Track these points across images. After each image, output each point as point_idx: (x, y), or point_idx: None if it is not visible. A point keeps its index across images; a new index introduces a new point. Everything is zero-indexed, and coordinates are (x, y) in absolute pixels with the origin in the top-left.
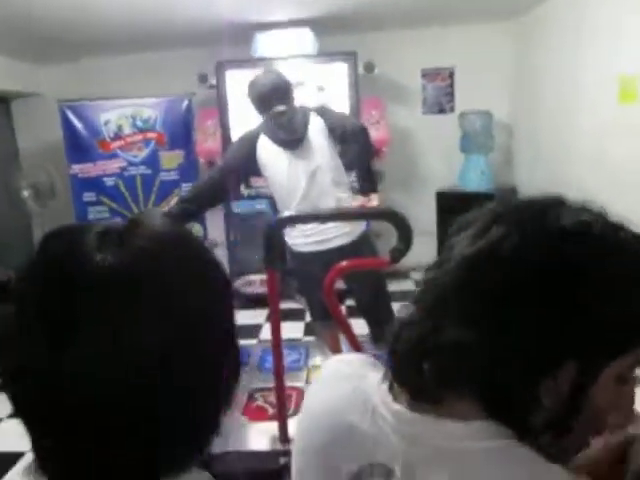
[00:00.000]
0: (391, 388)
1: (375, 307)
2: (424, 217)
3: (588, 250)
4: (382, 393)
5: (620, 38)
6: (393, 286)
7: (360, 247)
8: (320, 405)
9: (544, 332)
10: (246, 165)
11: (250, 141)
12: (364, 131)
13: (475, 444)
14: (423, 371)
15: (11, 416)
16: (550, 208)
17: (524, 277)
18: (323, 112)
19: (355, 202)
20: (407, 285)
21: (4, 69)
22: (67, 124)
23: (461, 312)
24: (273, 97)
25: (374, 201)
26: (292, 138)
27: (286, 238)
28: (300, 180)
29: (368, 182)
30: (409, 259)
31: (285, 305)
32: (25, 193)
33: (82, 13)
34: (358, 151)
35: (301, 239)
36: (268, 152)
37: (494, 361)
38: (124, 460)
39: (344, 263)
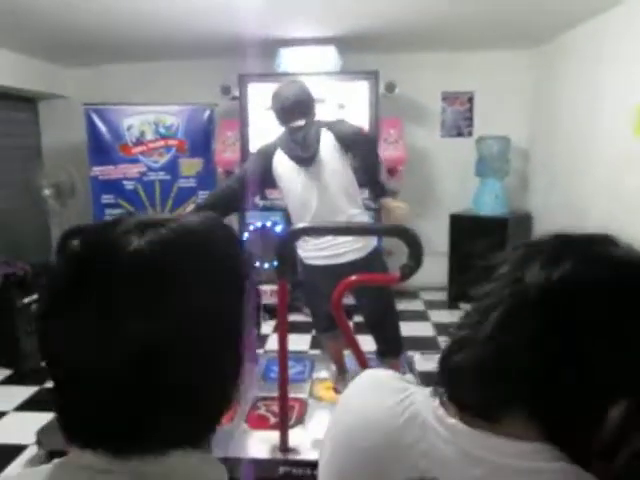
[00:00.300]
0: (442, 404)
1: (383, 323)
2: (437, 238)
3: None
4: (433, 407)
5: (638, 69)
6: (402, 305)
7: (371, 263)
8: (366, 415)
9: (615, 364)
10: (262, 176)
11: (267, 154)
12: (369, 138)
13: (535, 464)
14: (486, 391)
15: (16, 409)
16: (606, 244)
17: (599, 310)
18: (333, 125)
19: (382, 206)
20: (416, 305)
21: (33, 70)
22: (91, 127)
23: (531, 337)
24: (295, 110)
25: (399, 203)
26: (305, 156)
27: (299, 250)
28: (312, 197)
29: (379, 187)
30: (419, 279)
31: (293, 317)
32: (46, 191)
33: (110, 19)
34: (363, 156)
35: (314, 252)
36: (284, 166)
37: (564, 388)
38: (124, 430)
39: (354, 277)
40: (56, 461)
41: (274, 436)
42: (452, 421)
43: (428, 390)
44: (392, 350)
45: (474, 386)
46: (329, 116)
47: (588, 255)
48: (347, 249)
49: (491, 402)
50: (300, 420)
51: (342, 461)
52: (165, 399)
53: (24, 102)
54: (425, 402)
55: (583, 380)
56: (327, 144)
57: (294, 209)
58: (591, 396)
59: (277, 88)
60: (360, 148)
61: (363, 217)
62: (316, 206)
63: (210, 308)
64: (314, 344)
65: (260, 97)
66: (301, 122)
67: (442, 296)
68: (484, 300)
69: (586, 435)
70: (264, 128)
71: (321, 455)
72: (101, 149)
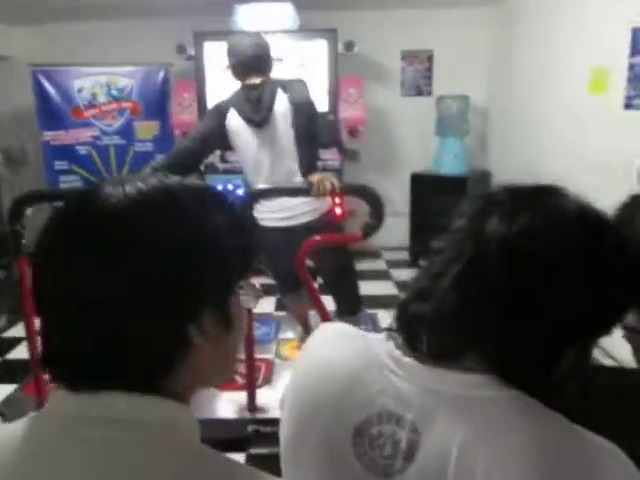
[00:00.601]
0: (396, 347)
1: (342, 283)
2: (398, 198)
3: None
4: (388, 350)
5: (592, 30)
6: (365, 265)
7: (324, 225)
8: (327, 360)
9: (572, 310)
10: (217, 135)
11: (220, 112)
12: (311, 105)
13: (487, 392)
14: (444, 337)
15: None
16: (557, 195)
17: (555, 259)
18: (289, 87)
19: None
20: (379, 264)
21: None
22: (39, 89)
23: (493, 287)
24: (252, 67)
25: (324, 176)
26: (256, 118)
27: (255, 213)
28: (264, 159)
29: (312, 162)
30: (381, 238)
31: (257, 280)
32: None
33: None
34: (306, 127)
35: (268, 214)
36: (237, 126)
37: (524, 333)
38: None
39: (317, 237)
40: (31, 414)
41: (242, 396)
42: (408, 360)
43: (382, 335)
44: (351, 308)
45: (433, 332)
46: (288, 75)
47: (542, 207)
48: (302, 210)
49: (449, 346)
50: (267, 380)
51: (305, 407)
52: (111, 342)
53: None
54: (381, 346)
55: (543, 326)
56: (281, 106)
57: (248, 169)
58: (551, 341)
59: (233, 40)
60: (300, 118)
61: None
62: (268, 168)
63: (169, 268)
64: (279, 306)
65: (217, 56)
66: (257, 80)
67: (404, 255)
68: (443, 253)
69: (539, 373)
70: (222, 88)
71: (283, 404)
72: (51, 113)
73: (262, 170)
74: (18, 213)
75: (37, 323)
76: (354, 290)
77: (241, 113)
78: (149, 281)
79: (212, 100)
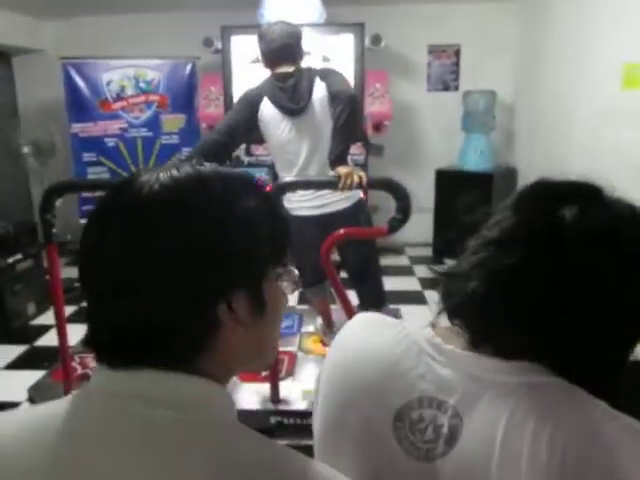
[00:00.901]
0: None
1: (366, 276)
2: (422, 194)
3: None
4: (428, 337)
5: (624, 24)
6: (389, 261)
7: (357, 212)
8: (366, 346)
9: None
10: (246, 127)
11: (252, 102)
12: (353, 99)
13: (528, 378)
14: (497, 320)
15: (6, 368)
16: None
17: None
18: (327, 76)
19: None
20: (402, 261)
21: (6, 23)
22: (69, 82)
23: (555, 271)
24: (283, 55)
25: (352, 170)
26: (294, 107)
27: (285, 203)
28: (302, 148)
29: (341, 153)
30: (405, 234)
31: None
32: (25, 149)
33: None
34: (345, 119)
35: (300, 203)
36: (270, 116)
37: (577, 322)
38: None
39: (342, 231)
40: (77, 391)
41: (265, 388)
42: (448, 347)
43: (419, 324)
44: (375, 302)
45: (483, 321)
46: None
47: (602, 201)
48: (333, 199)
49: (500, 337)
50: (290, 372)
51: (343, 392)
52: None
53: None
54: (419, 333)
55: (606, 321)
56: (319, 95)
57: (280, 161)
58: (609, 337)
59: (264, 28)
60: (342, 108)
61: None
62: (305, 158)
63: (198, 252)
64: (302, 299)
65: (244, 50)
66: (289, 68)
67: (427, 252)
68: (491, 241)
69: (584, 362)
70: (248, 81)
71: (318, 389)
72: (80, 105)
73: (298, 161)
74: (49, 203)
75: (65, 310)
76: (378, 284)
77: (275, 102)
78: (179, 265)
79: (238, 93)
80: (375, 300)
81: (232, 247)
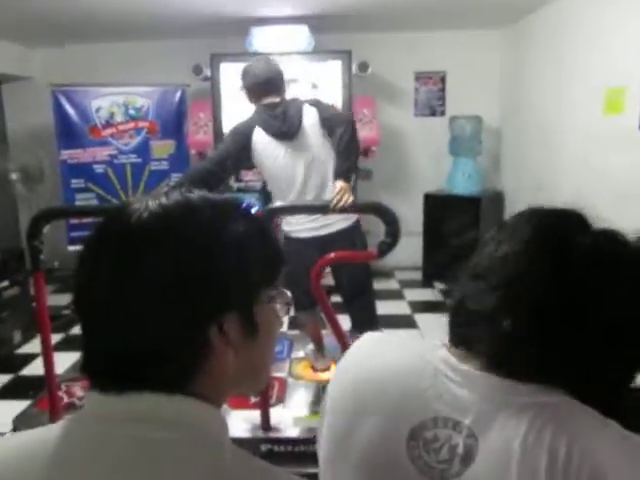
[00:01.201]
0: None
1: (360, 297)
2: (411, 217)
3: None
4: (443, 356)
5: (603, 50)
6: (378, 284)
7: (355, 233)
8: (379, 363)
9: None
10: (240, 156)
11: (245, 133)
12: (351, 121)
13: (541, 398)
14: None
15: None
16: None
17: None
18: (317, 103)
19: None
20: (391, 284)
21: None
22: (59, 109)
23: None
24: (268, 87)
25: (344, 190)
26: (286, 130)
27: (284, 226)
28: (297, 171)
29: (346, 170)
30: (394, 258)
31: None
32: (13, 176)
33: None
34: (346, 143)
35: (302, 225)
36: (264, 144)
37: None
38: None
39: (332, 255)
40: (69, 416)
41: (255, 415)
42: (464, 367)
43: (431, 342)
44: (367, 326)
45: (495, 347)
46: (302, 95)
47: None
48: (334, 219)
49: (514, 362)
50: (280, 399)
51: (355, 409)
52: (139, 345)
53: None
54: (433, 353)
55: (610, 341)
56: (310, 119)
57: (278, 186)
58: (621, 356)
59: (246, 66)
60: (347, 132)
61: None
62: (302, 180)
63: (187, 279)
64: (292, 324)
65: (233, 77)
66: (275, 99)
67: (416, 275)
68: (495, 267)
69: (596, 381)
70: (237, 108)
71: (325, 405)
72: (70, 132)
73: (295, 184)
74: (36, 230)
75: (52, 338)
76: (371, 307)
77: (267, 128)
78: (168, 292)
79: (227, 120)
80: (368, 323)
81: (222, 273)
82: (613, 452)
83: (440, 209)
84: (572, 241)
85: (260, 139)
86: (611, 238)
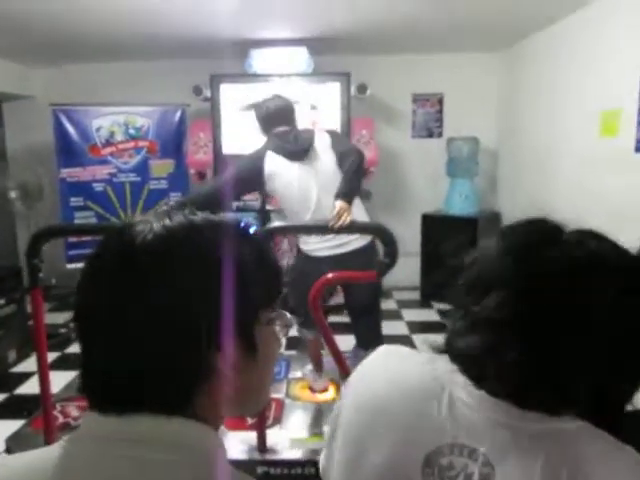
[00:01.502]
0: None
1: (369, 312)
2: (409, 238)
3: None
4: (458, 380)
5: (600, 73)
6: None
7: (371, 252)
8: (394, 383)
9: None
10: (252, 181)
11: (258, 157)
12: (361, 154)
13: (556, 425)
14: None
15: None
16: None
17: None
18: (331, 131)
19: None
20: (390, 304)
21: None
22: (59, 127)
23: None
24: (279, 117)
25: (343, 210)
26: (297, 149)
27: (301, 245)
28: (311, 190)
29: (348, 191)
30: (392, 278)
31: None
32: (12, 194)
33: (77, 17)
34: (354, 169)
35: (318, 244)
36: (277, 166)
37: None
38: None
39: (330, 275)
40: (66, 436)
41: (251, 436)
42: (479, 393)
43: (448, 364)
44: (372, 344)
45: (508, 377)
46: (301, 117)
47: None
48: (352, 238)
49: (529, 393)
50: (277, 420)
51: (369, 429)
52: (143, 362)
53: None
54: (449, 376)
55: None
56: (323, 144)
57: (291, 207)
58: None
59: (260, 100)
60: (355, 161)
61: (360, 208)
62: (315, 201)
63: (188, 301)
64: (290, 344)
65: (232, 98)
66: (286, 128)
67: (415, 295)
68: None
69: (606, 403)
70: (236, 129)
71: (335, 431)
72: (69, 150)
73: (309, 204)
74: (36, 247)
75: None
76: (377, 327)
77: (280, 150)
78: (168, 314)
79: (227, 140)
80: (373, 341)
81: (222, 295)
82: (628, 477)
83: (438, 229)
84: (541, 253)
85: (273, 162)
86: (582, 243)
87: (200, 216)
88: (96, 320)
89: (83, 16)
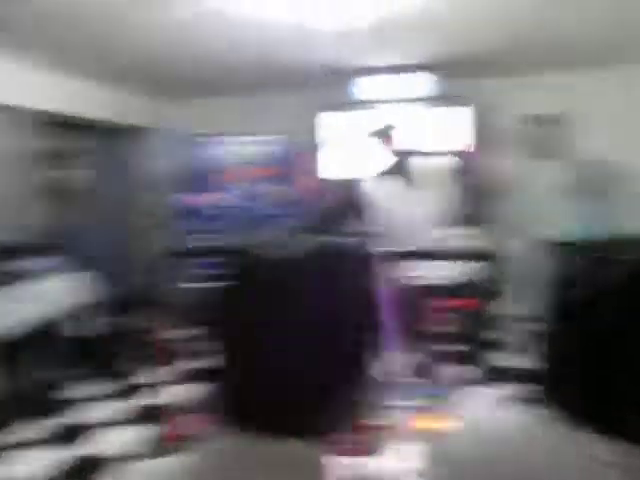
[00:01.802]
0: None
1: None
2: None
3: None
4: (589, 451)
5: None
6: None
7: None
8: (499, 442)
9: None
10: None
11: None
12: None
13: None
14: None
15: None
16: None
17: None
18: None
19: None
20: None
21: (140, 107)
22: (185, 156)
23: None
24: None
25: None
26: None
27: None
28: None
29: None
30: None
31: None
32: (143, 216)
33: (204, 56)
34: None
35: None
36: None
37: None
38: None
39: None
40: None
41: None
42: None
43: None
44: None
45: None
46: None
47: None
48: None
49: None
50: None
51: None
52: None
53: (124, 133)
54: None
55: None
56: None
57: (393, 231)
58: None
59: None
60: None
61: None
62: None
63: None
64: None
65: (339, 126)
66: None
67: None
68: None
69: None
70: (341, 157)
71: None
72: (189, 177)
73: (411, 228)
74: (158, 267)
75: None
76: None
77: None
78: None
79: (333, 167)
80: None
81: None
82: None
83: (562, 254)
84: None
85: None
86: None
87: (325, 240)
88: (245, 338)
89: (207, 54)
